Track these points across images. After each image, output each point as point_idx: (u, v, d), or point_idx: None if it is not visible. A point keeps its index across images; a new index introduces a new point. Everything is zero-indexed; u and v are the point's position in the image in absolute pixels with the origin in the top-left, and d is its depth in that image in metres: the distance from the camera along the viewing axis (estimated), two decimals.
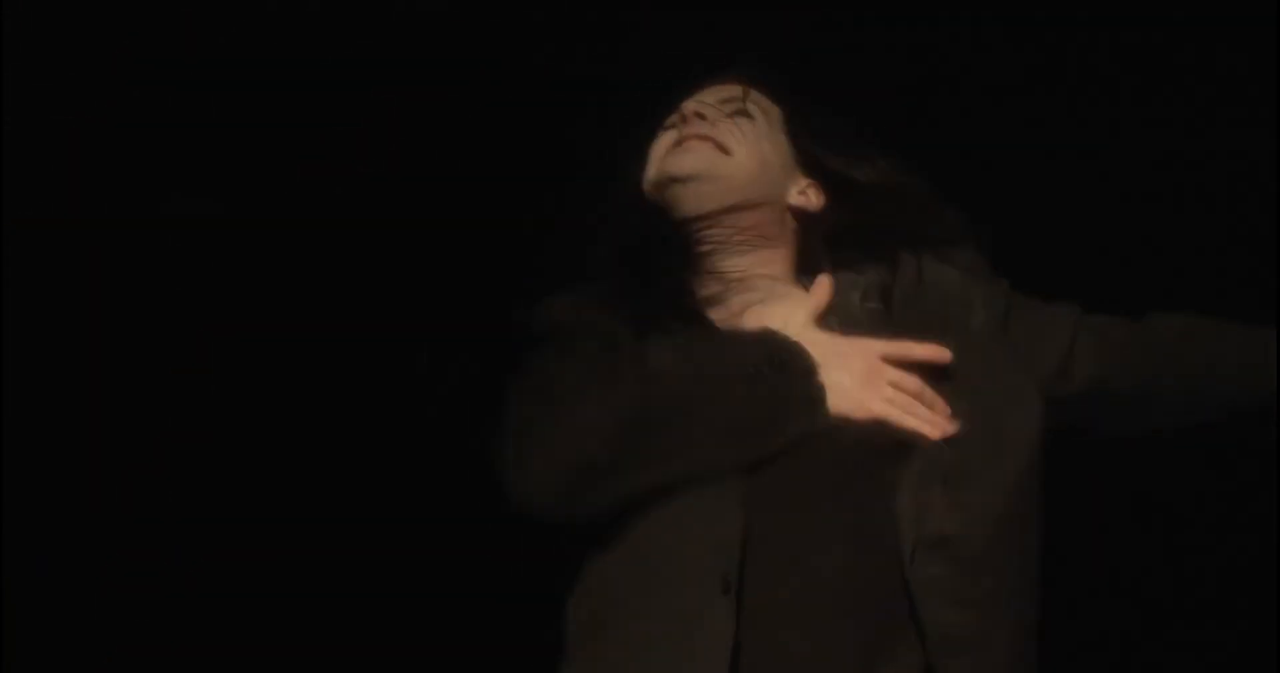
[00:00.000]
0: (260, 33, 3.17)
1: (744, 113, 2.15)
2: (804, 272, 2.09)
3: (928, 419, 1.80)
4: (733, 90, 2.19)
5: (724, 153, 2.10)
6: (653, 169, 2.13)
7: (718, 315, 2.03)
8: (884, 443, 1.84)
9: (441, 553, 3.23)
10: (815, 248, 2.09)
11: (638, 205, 2.13)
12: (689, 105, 2.16)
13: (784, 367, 1.79)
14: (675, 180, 2.09)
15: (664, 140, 2.16)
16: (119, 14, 3.11)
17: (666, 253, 2.08)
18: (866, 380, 1.79)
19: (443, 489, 3.26)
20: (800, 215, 2.11)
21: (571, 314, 2.02)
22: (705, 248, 2.07)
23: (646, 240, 2.09)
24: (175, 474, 3.31)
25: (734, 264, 2.07)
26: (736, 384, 1.80)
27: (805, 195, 2.12)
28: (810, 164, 2.14)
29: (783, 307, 2.00)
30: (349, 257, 3.35)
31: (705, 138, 2.11)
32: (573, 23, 3.21)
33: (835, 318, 2.00)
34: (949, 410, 1.84)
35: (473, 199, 3.28)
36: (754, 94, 2.19)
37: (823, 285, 1.93)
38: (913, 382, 1.81)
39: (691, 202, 2.08)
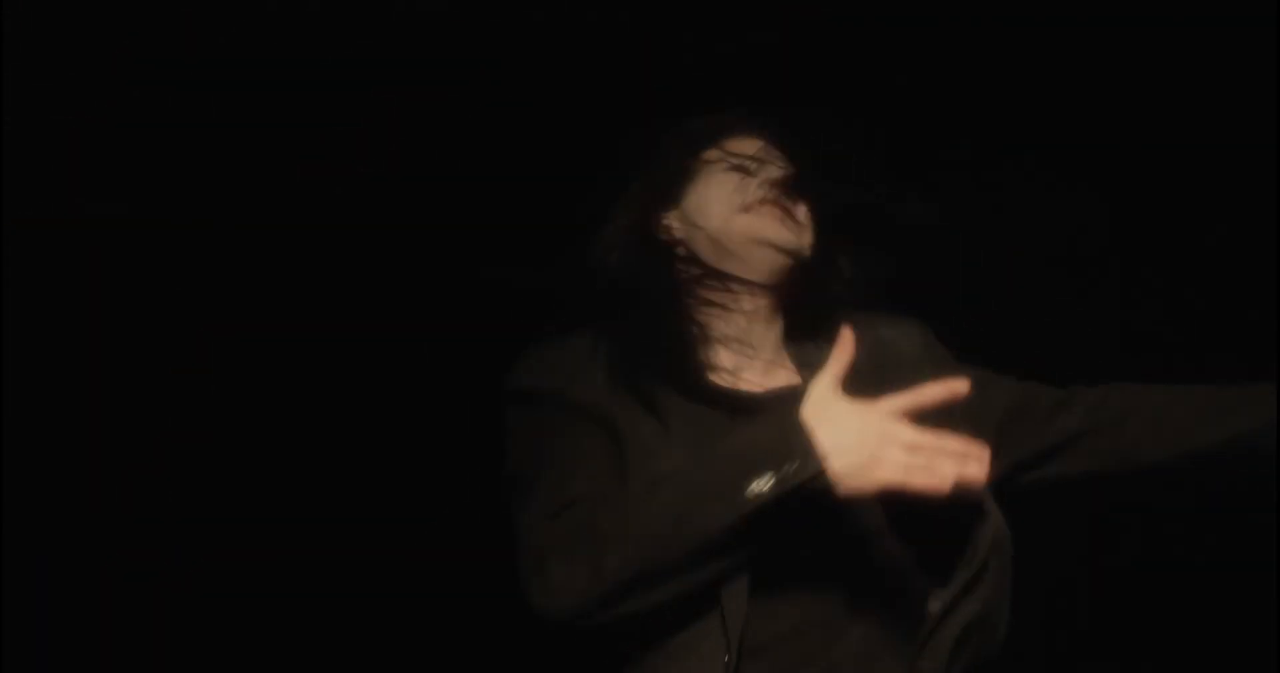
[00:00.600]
0: (260, 33, 3.17)
1: (789, 178, 2.21)
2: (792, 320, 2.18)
3: (944, 474, 1.78)
4: (768, 149, 2.22)
5: (800, 225, 2.17)
6: (734, 223, 2.15)
7: (721, 379, 2.09)
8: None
9: (440, 553, 3.23)
10: (809, 296, 2.17)
11: (641, 246, 2.17)
12: (769, 167, 2.18)
13: (792, 476, 1.78)
14: (772, 247, 2.13)
15: (740, 191, 2.17)
16: (119, 14, 3.11)
17: (665, 302, 2.13)
18: (875, 454, 1.77)
19: (443, 489, 3.26)
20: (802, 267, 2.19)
21: (559, 380, 2.04)
22: (726, 310, 2.13)
23: (647, 287, 2.14)
24: (175, 474, 3.32)
25: (749, 328, 2.14)
26: (744, 497, 1.81)
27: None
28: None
29: (780, 373, 2.10)
30: (349, 257, 3.36)
31: (783, 207, 2.16)
32: (572, 25, 3.22)
33: (809, 374, 2.07)
34: (978, 448, 1.85)
35: (472, 199, 3.29)
36: (780, 152, 2.24)
37: (846, 344, 1.87)
38: (928, 439, 1.78)
39: (768, 269, 2.14)
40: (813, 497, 1.82)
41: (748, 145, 2.25)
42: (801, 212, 2.19)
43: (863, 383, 2.00)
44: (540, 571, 1.91)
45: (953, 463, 1.77)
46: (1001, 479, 2.10)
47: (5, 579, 3.19)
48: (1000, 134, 3.30)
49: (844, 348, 1.83)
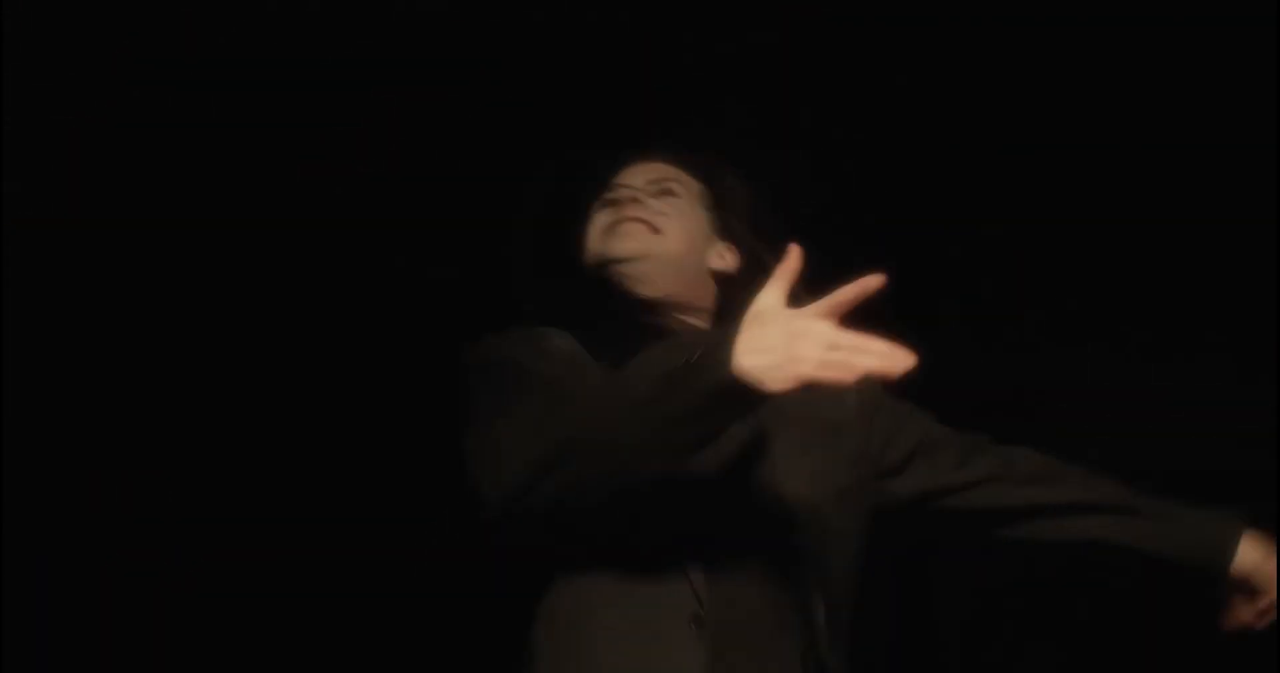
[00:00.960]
0: (260, 33, 3.17)
1: (669, 191, 2.33)
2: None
3: (871, 363, 1.79)
4: (659, 169, 2.36)
5: (656, 233, 2.27)
6: (593, 249, 2.29)
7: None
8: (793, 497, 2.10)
9: (440, 554, 3.23)
10: (734, 306, 2.18)
11: (576, 274, 2.29)
12: (622, 188, 2.32)
13: (701, 361, 1.84)
14: (615, 261, 2.26)
15: (600, 219, 2.31)
16: (119, 14, 3.11)
17: (603, 315, 2.25)
18: (794, 353, 1.79)
19: (443, 490, 3.26)
20: (719, 277, 2.31)
21: (526, 342, 2.17)
22: (641, 316, 2.25)
23: (587, 305, 2.26)
24: (175, 474, 3.32)
25: (667, 328, 2.24)
26: (662, 376, 1.88)
27: (723, 258, 2.32)
28: (725, 230, 2.34)
29: None
30: (349, 257, 3.36)
31: (639, 219, 2.28)
32: (572, 25, 3.22)
33: None
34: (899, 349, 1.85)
35: (472, 199, 3.29)
36: (677, 172, 2.36)
37: (792, 261, 1.88)
38: (849, 338, 1.80)
39: (630, 281, 2.25)
40: (735, 399, 1.84)
41: (649, 170, 2.36)
42: (661, 219, 2.28)
43: (796, 409, 2.12)
44: (479, 462, 2.02)
45: (871, 359, 1.78)
46: (907, 506, 2.27)
47: (5, 579, 3.19)
48: (1000, 134, 3.30)
49: (789, 264, 1.85)
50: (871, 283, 1.81)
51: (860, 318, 2.23)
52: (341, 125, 3.25)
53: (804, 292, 2.20)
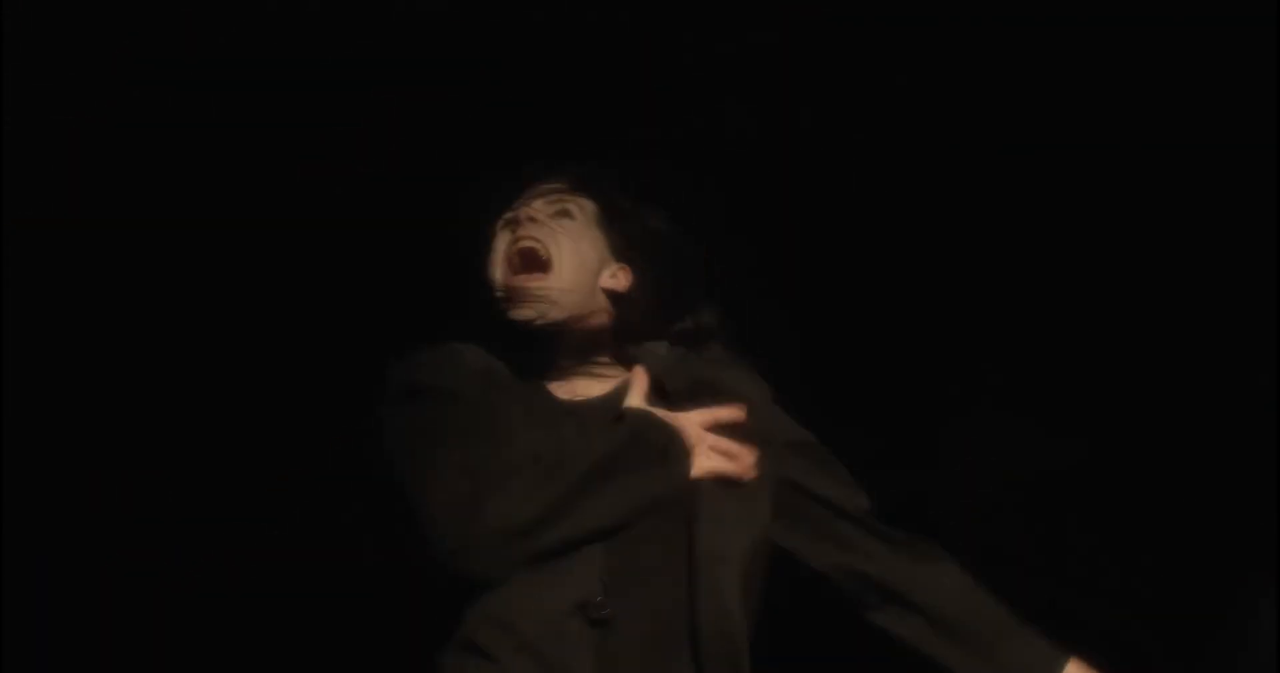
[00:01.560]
0: (260, 33, 3.18)
1: (566, 213, 2.40)
2: (621, 345, 2.39)
3: (741, 468, 2.24)
4: (557, 191, 2.44)
5: (546, 272, 2.36)
6: (496, 278, 2.37)
7: (559, 391, 2.34)
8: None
9: None
10: (629, 323, 2.38)
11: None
12: (521, 208, 2.41)
13: (665, 450, 2.21)
14: (507, 289, 2.35)
15: (500, 243, 2.40)
16: (119, 14, 3.12)
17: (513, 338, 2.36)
18: (698, 447, 2.22)
19: None
20: (611, 295, 2.38)
21: (452, 381, 2.30)
22: (543, 339, 2.35)
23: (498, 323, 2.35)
24: (175, 474, 3.32)
25: (566, 350, 2.36)
26: (633, 458, 2.19)
27: (615, 278, 2.40)
28: (620, 249, 2.42)
29: (602, 385, 2.35)
30: (349, 257, 3.36)
31: (534, 240, 2.37)
32: (572, 25, 3.22)
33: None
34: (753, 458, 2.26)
35: (472, 199, 3.29)
36: (574, 194, 2.43)
37: (640, 375, 2.28)
38: (726, 443, 2.23)
39: (528, 316, 2.34)
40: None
41: (548, 190, 2.43)
42: (553, 246, 2.36)
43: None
44: (454, 528, 2.14)
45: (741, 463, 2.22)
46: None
47: (5, 579, 3.19)
48: (1000, 134, 3.30)
49: (639, 382, 2.25)
50: (733, 415, 2.23)
51: (865, 316, 2.23)
52: (341, 125, 3.25)
53: (803, 296, 2.22)
